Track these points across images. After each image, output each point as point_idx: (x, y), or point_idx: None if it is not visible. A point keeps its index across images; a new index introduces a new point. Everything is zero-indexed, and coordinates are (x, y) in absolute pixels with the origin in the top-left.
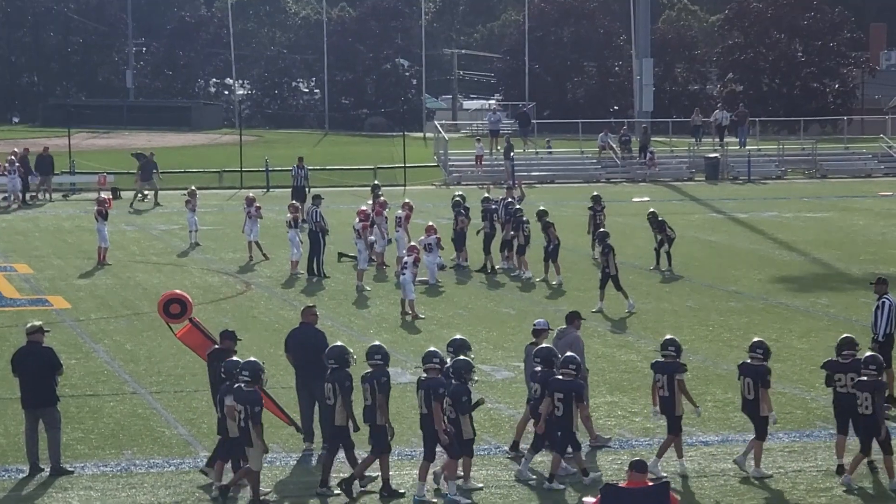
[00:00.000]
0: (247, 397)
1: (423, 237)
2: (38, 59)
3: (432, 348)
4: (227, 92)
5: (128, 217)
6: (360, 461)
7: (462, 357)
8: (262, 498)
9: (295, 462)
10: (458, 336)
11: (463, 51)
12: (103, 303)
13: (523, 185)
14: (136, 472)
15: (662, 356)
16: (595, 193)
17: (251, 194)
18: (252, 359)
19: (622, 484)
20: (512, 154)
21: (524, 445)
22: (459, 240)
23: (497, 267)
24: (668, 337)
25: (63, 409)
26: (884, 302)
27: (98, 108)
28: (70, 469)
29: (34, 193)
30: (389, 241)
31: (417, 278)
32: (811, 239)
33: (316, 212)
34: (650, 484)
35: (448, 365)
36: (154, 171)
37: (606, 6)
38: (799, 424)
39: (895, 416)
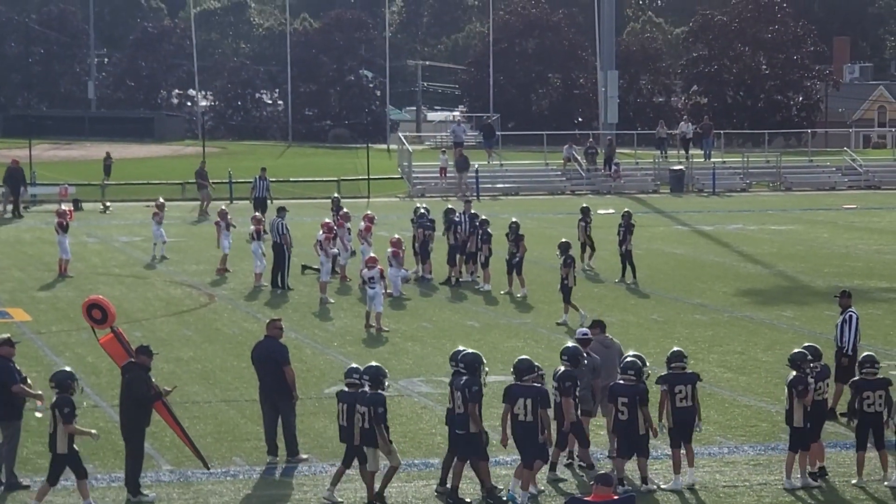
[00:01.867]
0: (370, 399)
1: (388, 249)
2: None
3: (525, 356)
4: (189, 103)
5: (89, 228)
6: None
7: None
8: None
9: (258, 476)
10: (569, 344)
11: (427, 62)
12: (64, 315)
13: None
14: (97, 486)
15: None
16: (584, 205)
17: (224, 207)
18: (374, 363)
19: (588, 497)
20: (476, 165)
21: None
22: (423, 252)
23: (462, 279)
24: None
25: (23, 422)
26: (851, 315)
27: (59, 119)
28: (26, 484)
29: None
30: (353, 253)
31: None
32: (776, 251)
33: (281, 224)
34: (615, 498)
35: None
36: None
37: (571, 18)
38: (764, 437)
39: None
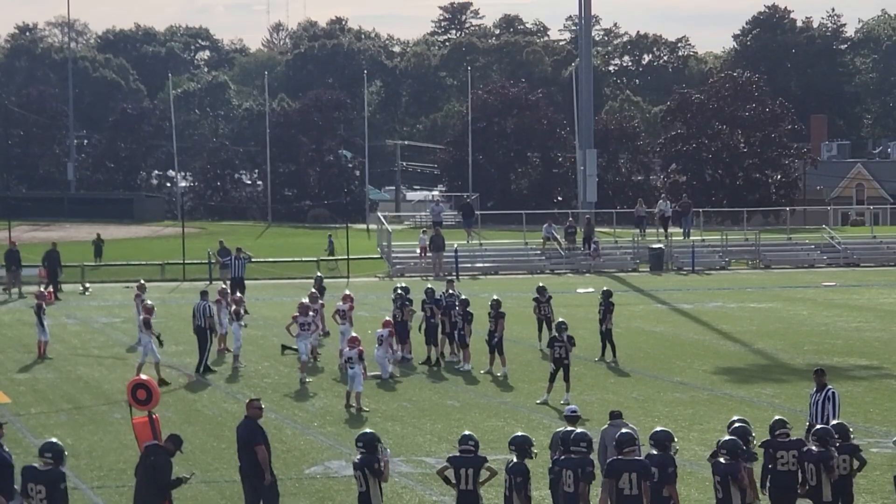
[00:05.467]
0: (512, 469)
1: (378, 330)
2: None
3: (627, 430)
4: (169, 184)
5: (69, 310)
6: None
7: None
8: None
9: None
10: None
11: (406, 142)
12: (44, 397)
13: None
14: None
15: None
16: (540, 284)
17: (224, 286)
18: (520, 433)
19: None
20: (455, 244)
21: None
22: (403, 332)
23: (447, 360)
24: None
25: None
26: (833, 393)
27: (38, 201)
28: None
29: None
30: (327, 333)
31: (369, 373)
32: (755, 329)
33: (206, 306)
34: None
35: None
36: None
37: (549, 97)
38: None
39: None
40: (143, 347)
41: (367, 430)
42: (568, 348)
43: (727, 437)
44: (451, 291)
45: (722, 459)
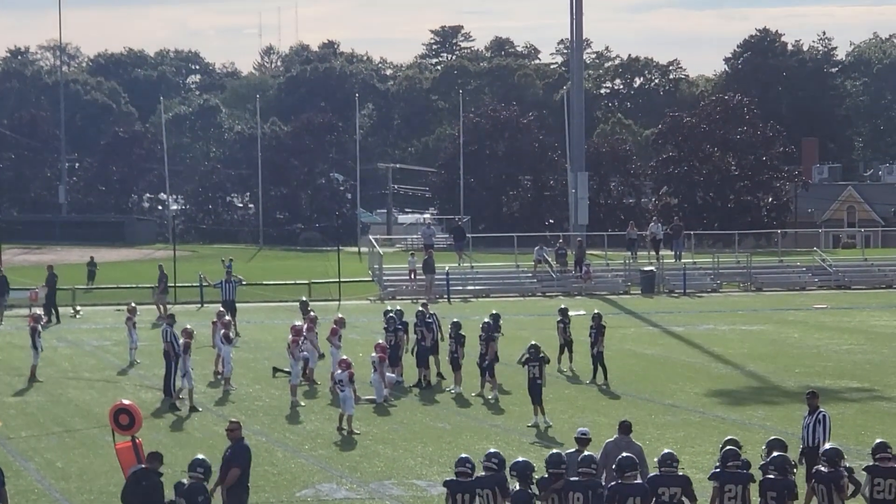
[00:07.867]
0: (515, 497)
1: (371, 354)
2: None
3: (627, 454)
4: (160, 207)
5: (60, 333)
6: None
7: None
8: None
9: None
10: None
11: (397, 165)
12: (34, 420)
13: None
14: None
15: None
16: (563, 306)
17: (221, 309)
18: (521, 459)
19: None
20: (446, 267)
21: None
22: (394, 355)
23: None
24: (728, 447)
25: None
26: (824, 416)
27: (30, 224)
28: None
29: None
30: (322, 356)
31: (365, 396)
32: (747, 352)
33: (168, 331)
34: None
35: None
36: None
37: (541, 120)
38: None
39: None
40: (183, 372)
41: (494, 448)
42: (542, 368)
43: (827, 447)
44: (431, 312)
45: (823, 468)
